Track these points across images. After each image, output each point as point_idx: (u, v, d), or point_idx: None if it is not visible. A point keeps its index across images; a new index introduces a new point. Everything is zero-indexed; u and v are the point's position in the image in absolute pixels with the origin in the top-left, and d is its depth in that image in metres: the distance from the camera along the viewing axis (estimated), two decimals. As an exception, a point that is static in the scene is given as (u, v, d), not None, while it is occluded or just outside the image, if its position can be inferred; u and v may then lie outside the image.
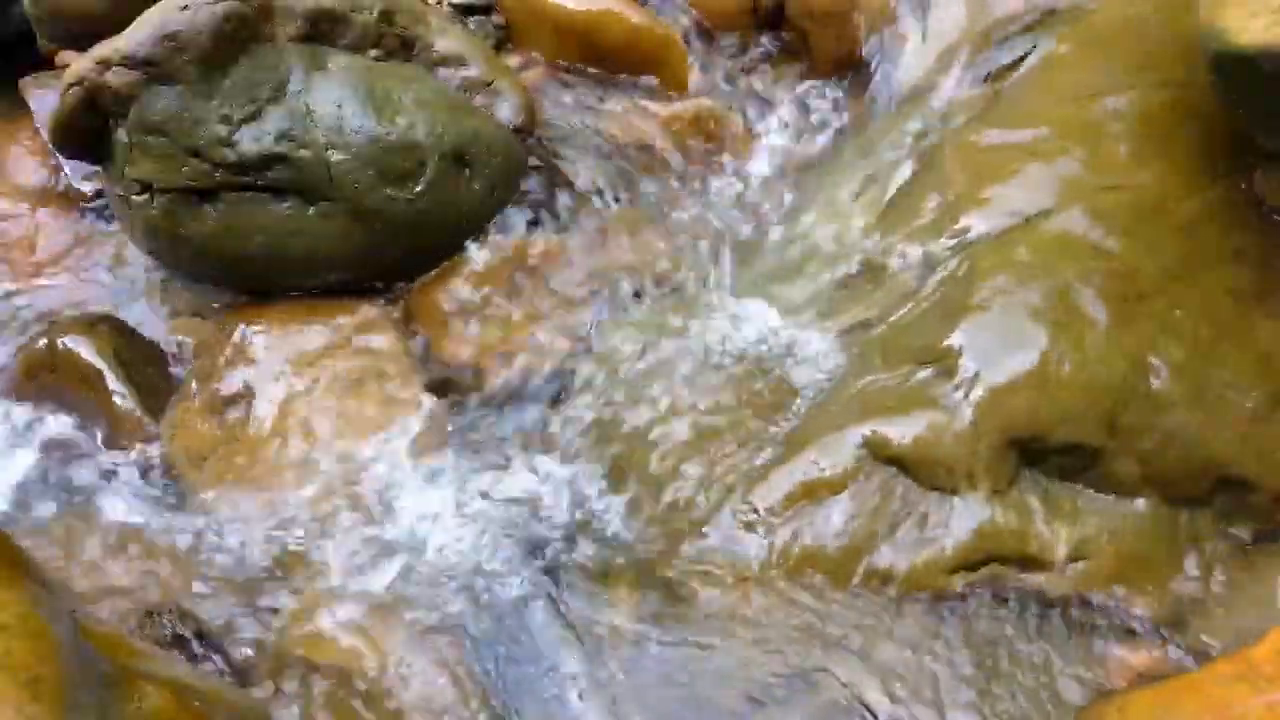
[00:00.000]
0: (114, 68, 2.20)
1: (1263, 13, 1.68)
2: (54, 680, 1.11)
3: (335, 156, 2.21)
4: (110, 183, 2.39)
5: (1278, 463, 1.82)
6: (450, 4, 2.70)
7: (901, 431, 1.85)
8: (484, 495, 2.01)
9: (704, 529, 1.87)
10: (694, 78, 2.65)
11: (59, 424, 2.17)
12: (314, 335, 2.25)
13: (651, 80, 2.65)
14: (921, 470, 1.83)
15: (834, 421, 1.92)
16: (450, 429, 2.12)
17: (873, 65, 2.53)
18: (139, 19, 2.23)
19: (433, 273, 2.33)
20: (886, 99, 2.50)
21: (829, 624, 1.75)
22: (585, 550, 1.90)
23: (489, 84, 2.42)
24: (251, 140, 2.20)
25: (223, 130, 2.20)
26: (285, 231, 2.25)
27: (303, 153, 2.21)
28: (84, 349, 2.20)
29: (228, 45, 2.22)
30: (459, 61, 2.42)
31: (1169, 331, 1.87)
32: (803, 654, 1.72)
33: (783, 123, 2.61)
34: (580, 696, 1.71)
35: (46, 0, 2.67)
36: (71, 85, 2.24)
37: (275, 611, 1.84)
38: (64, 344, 2.21)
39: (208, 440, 2.13)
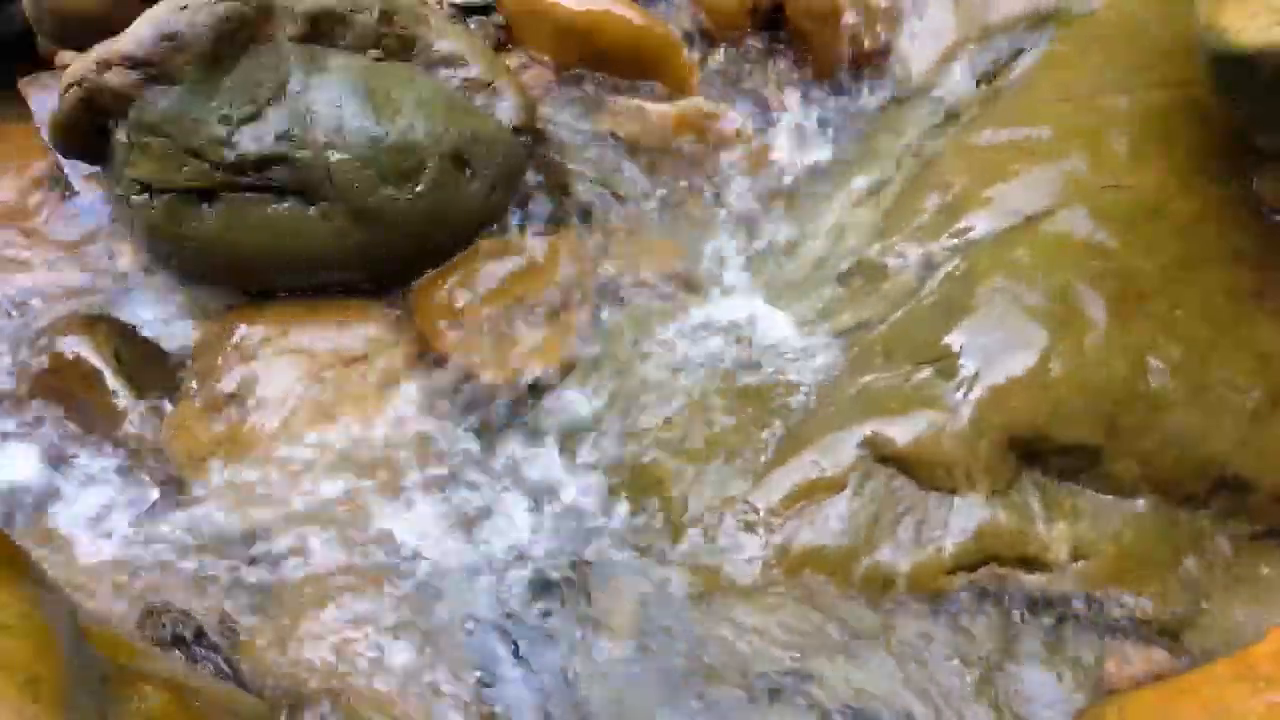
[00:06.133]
0: (113, 68, 2.20)
1: (1263, 13, 1.68)
2: (53, 680, 1.11)
3: (335, 157, 2.21)
4: (110, 183, 2.39)
5: (1278, 463, 1.82)
6: (450, 4, 2.70)
7: (901, 431, 1.85)
8: (484, 494, 2.01)
9: (704, 528, 1.87)
10: (694, 78, 2.65)
11: (58, 424, 2.17)
12: (313, 335, 2.25)
13: (652, 81, 2.65)
14: (921, 470, 1.83)
15: (834, 421, 1.92)
16: (449, 427, 2.12)
17: (873, 65, 2.53)
18: (139, 19, 2.23)
19: (432, 272, 2.33)
20: (886, 99, 2.50)
21: (829, 624, 1.75)
22: (585, 548, 1.90)
23: (489, 84, 2.42)
24: (251, 140, 2.20)
25: (222, 130, 2.20)
26: (285, 231, 2.25)
27: (302, 153, 2.21)
28: (84, 349, 2.20)
29: (227, 45, 2.22)
30: (459, 62, 2.42)
31: (1169, 331, 1.87)
32: (802, 654, 1.72)
33: (782, 123, 2.61)
34: (580, 695, 1.70)
35: (46, 0, 2.67)
36: (71, 85, 2.24)
37: (275, 611, 1.84)
38: (64, 344, 2.21)
39: (208, 440, 2.13)
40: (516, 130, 2.42)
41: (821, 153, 2.54)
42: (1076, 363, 1.85)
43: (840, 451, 1.87)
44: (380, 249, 2.29)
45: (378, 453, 2.08)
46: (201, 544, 1.95)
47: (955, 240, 2.06)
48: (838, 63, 2.59)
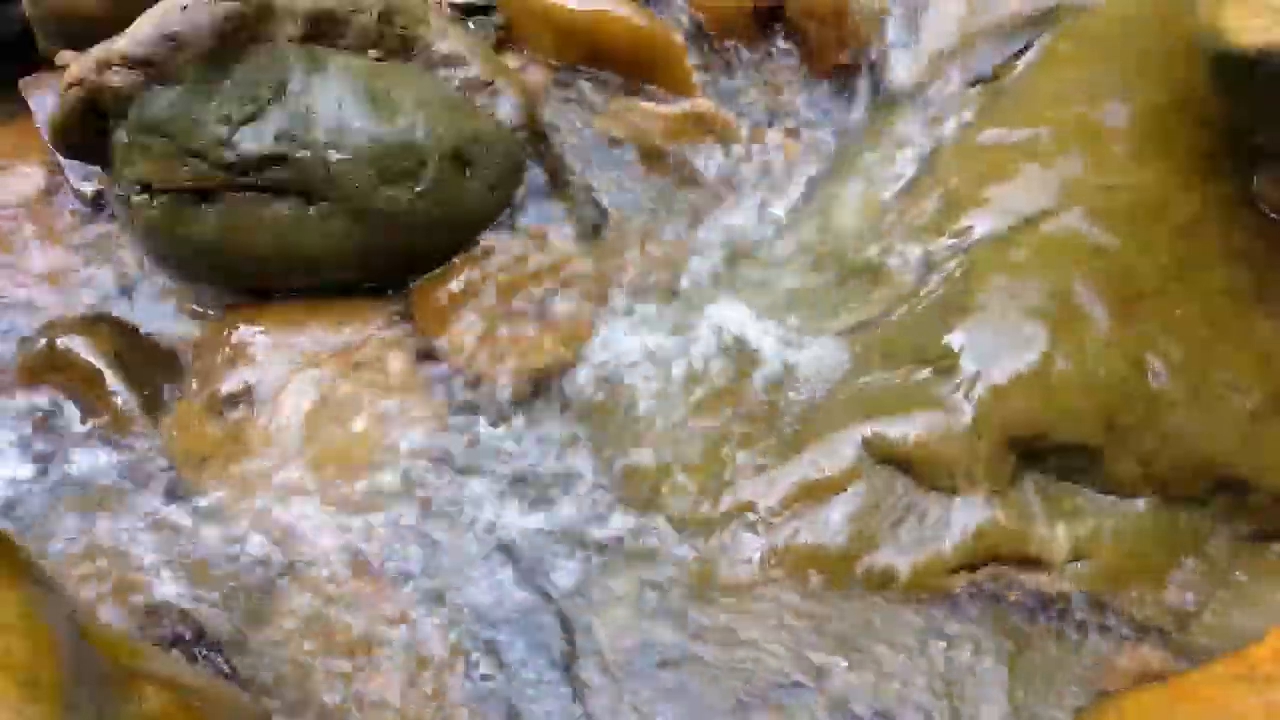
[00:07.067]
0: (113, 68, 2.20)
1: (1263, 13, 1.68)
2: (53, 680, 1.11)
3: (335, 156, 2.21)
4: (110, 183, 2.39)
5: (1278, 463, 1.82)
6: (450, 4, 2.70)
7: (901, 431, 1.85)
8: (482, 494, 2.01)
9: (704, 529, 1.87)
10: (694, 78, 2.65)
11: (59, 424, 2.17)
12: (314, 335, 2.25)
13: (651, 81, 2.65)
14: (921, 470, 1.83)
15: (834, 421, 1.92)
16: (450, 428, 2.12)
17: (872, 65, 2.53)
18: (139, 19, 2.23)
19: (433, 272, 2.33)
20: (886, 99, 2.49)
21: (829, 624, 1.75)
22: (584, 550, 1.90)
23: (489, 84, 2.42)
24: (251, 140, 2.20)
25: (222, 130, 2.20)
26: (285, 231, 2.25)
27: (302, 153, 2.21)
28: (84, 349, 2.20)
29: (227, 45, 2.22)
30: (459, 61, 2.42)
31: (1169, 331, 1.87)
32: (803, 654, 1.72)
33: (782, 123, 2.61)
34: (580, 697, 1.70)
35: (46, 1, 2.68)
36: (71, 86, 2.24)
37: (275, 611, 1.84)
38: (64, 344, 2.21)
39: (208, 440, 2.13)
40: (516, 130, 2.42)
41: (820, 153, 2.54)
42: (1076, 362, 1.85)
43: (840, 451, 1.87)
44: (380, 249, 2.29)
45: (378, 452, 2.08)
46: (202, 544, 1.95)
47: (955, 240, 2.06)
48: (837, 62, 2.59)
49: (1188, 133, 2.03)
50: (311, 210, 2.24)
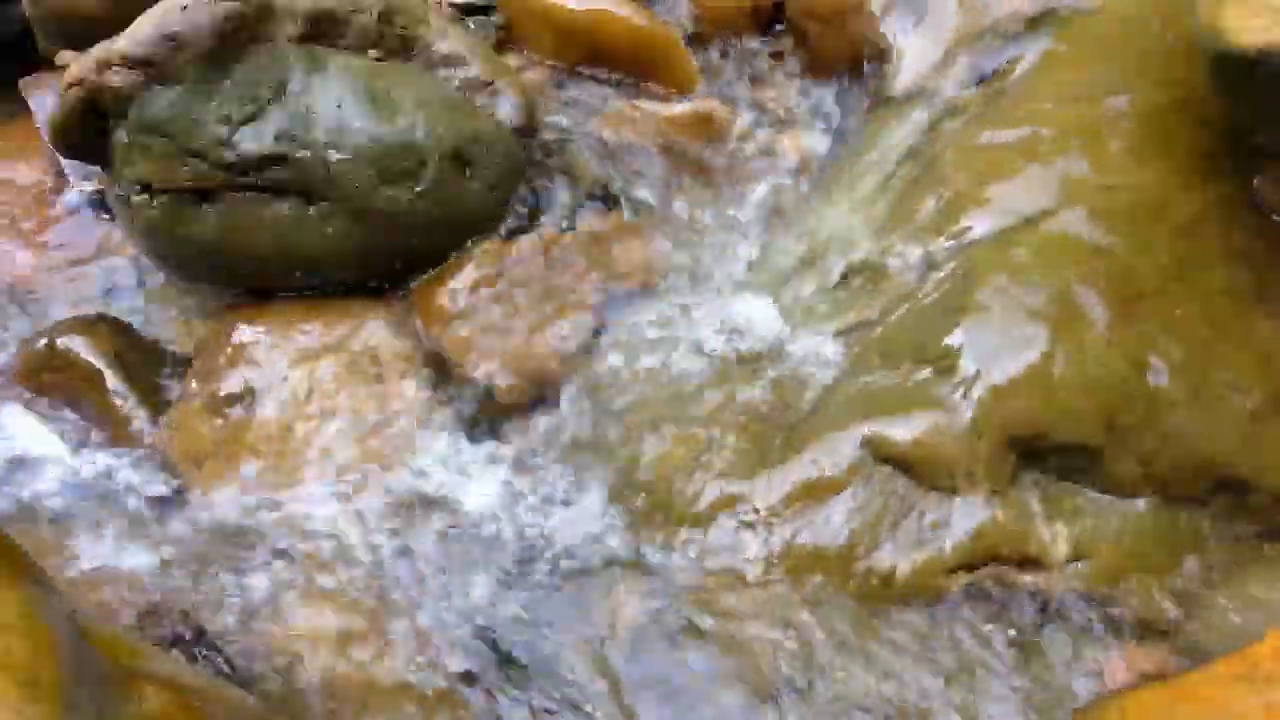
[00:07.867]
0: (113, 68, 2.20)
1: (1263, 13, 1.68)
2: (53, 680, 1.11)
3: (335, 156, 2.21)
4: (110, 183, 2.39)
5: (1278, 463, 1.82)
6: (450, 4, 2.70)
7: (901, 431, 1.85)
8: (484, 495, 2.01)
9: (704, 529, 1.87)
10: (694, 78, 2.65)
11: (59, 424, 2.17)
12: (314, 335, 2.25)
13: (652, 80, 2.65)
14: (921, 470, 1.83)
15: (834, 421, 1.92)
16: (450, 428, 2.12)
17: (872, 65, 2.53)
18: (139, 19, 2.23)
19: (433, 272, 2.33)
20: (886, 99, 2.50)
21: (829, 624, 1.75)
22: (585, 550, 1.90)
23: (489, 84, 2.42)
24: (251, 140, 2.20)
25: (222, 130, 2.20)
26: (285, 231, 2.25)
27: (302, 153, 2.21)
28: (84, 349, 2.20)
29: (227, 45, 2.22)
30: (459, 61, 2.42)
31: (1169, 331, 1.87)
32: (803, 654, 1.72)
33: (782, 123, 2.61)
34: (580, 698, 1.71)
35: (46, 1, 2.68)
36: (71, 86, 2.24)
37: (275, 611, 1.85)
38: (64, 344, 2.21)
39: (208, 440, 2.13)
40: (517, 130, 2.42)
41: (821, 153, 2.54)
42: (1076, 362, 1.85)
43: (840, 451, 1.87)
44: (380, 249, 2.29)
45: (377, 453, 2.08)
46: (201, 544, 1.95)
47: (955, 240, 2.06)
48: (838, 62, 2.59)
49: (1188, 133, 2.03)
50: (311, 210, 2.24)
